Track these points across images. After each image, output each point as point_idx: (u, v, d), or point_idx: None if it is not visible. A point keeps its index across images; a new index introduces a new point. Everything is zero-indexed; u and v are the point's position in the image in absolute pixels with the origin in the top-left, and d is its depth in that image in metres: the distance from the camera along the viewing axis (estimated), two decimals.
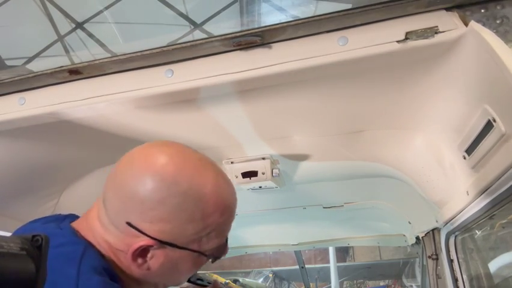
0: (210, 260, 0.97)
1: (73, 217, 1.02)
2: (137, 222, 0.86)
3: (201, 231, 0.89)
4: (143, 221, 0.86)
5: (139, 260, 0.88)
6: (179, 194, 0.86)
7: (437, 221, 1.77)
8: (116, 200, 0.88)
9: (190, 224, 0.88)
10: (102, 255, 0.89)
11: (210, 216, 0.89)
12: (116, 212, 0.88)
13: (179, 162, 0.89)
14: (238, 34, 1.02)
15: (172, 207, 0.86)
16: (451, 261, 1.80)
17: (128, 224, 0.86)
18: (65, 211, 1.84)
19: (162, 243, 0.87)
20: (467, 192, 1.31)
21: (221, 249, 0.96)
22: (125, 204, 0.86)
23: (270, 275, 10.98)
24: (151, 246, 0.87)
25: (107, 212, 0.89)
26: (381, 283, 12.12)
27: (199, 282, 1.20)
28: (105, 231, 0.90)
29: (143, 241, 0.86)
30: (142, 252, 0.87)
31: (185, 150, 0.94)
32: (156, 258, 0.89)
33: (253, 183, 1.82)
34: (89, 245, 0.89)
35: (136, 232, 0.86)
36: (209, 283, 1.23)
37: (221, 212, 0.91)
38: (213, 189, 0.89)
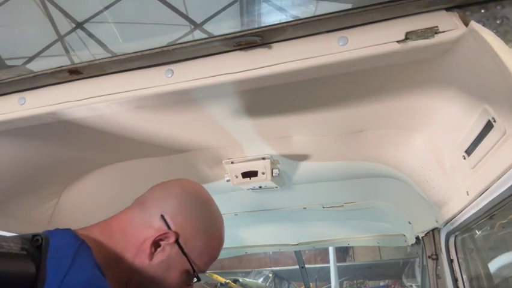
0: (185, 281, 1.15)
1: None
2: (168, 218, 1.09)
3: (203, 248, 1.13)
4: (172, 219, 1.10)
5: (152, 249, 1.07)
6: (206, 210, 1.16)
7: (437, 221, 1.77)
8: (157, 200, 1.13)
9: (201, 236, 1.12)
10: (100, 251, 1.01)
11: (214, 239, 1.16)
12: (154, 209, 1.11)
13: (207, 192, 1.21)
14: (238, 34, 1.02)
15: (196, 216, 1.13)
16: (450, 261, 1.80)
17: (162, 216, 1.10)
18: (65, 211, 1.86)
19: (176, 242, 1.08)
20: (467, 192, 1.31)
21: (201, 271, 1.16)
22: (163, 202, 1.12)
23: (270, 275, 10.97)
24: (169, 238, 1.07)
25: (143, 210, 1.12)
26: (381, 283, 12.11)
27: None
28: (132, 224, 1.10)
29: (169, 232, 1.08)
30: (157, 243, 1.08)
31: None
32: (162, 254, 1.08)
33: (253, 183, 1.82)
34: (84, 243, 1.00)
35: (164, 225, 1.09)
36: None
37: (219, 242, 1.18)
38: (222, 225, 1.20)
